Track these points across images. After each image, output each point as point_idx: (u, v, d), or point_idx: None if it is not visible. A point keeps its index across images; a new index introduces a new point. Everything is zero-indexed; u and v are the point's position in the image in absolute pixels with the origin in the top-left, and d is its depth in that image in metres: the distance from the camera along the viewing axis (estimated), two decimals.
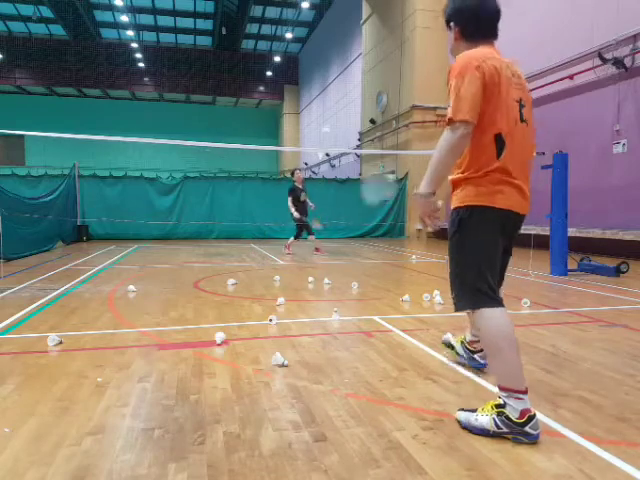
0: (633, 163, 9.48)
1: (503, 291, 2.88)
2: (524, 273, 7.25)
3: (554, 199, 6.97)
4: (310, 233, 10.25)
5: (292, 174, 10.62)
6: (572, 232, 8.53)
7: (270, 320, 4.08)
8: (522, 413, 1.99)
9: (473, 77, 2.01)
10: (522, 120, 2.15)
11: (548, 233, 7.19)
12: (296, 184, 10.23)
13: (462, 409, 2.19)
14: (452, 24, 2.27)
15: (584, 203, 9.87)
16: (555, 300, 5.30)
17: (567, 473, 1.77)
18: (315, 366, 2.97)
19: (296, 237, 10.30)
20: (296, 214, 10.01)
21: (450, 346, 3.05)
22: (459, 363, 2.99)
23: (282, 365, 2.95)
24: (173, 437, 2.04)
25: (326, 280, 6.31)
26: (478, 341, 2.85)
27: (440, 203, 2.13)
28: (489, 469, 1.80)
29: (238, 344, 3.46)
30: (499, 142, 2.08)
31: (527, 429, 1.99)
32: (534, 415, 2.00)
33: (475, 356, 2.88)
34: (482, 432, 2.06)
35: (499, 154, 2.08)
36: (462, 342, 2.95)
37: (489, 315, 2.09)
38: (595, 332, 3.84)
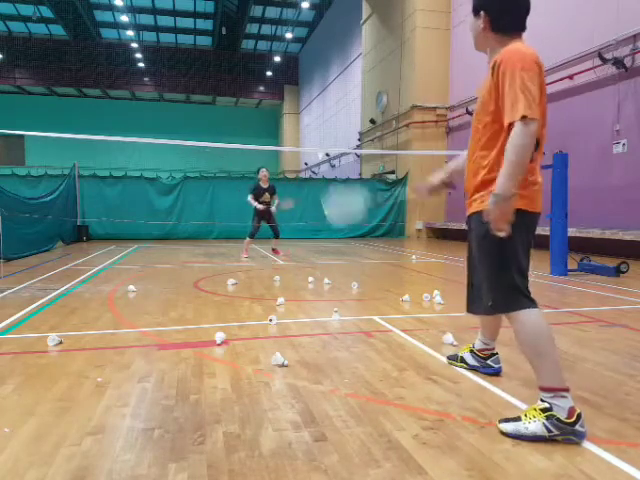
0: (633, 163, 9.48)
1: None
2: None
3: (554, 199, 6.97)
4: (249, 237, 9.76)
5: (258, 171, 9.73)
6: (572, 232, 8.53)
7: (270, 320, 4.07)
8: (570, 412, 1.99)
9: (535, 74, 1.99)
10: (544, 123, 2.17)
11: (548, 233, 7.19)
12: (260, 183, 9.57)
13: (505, 420, 2.12)
14: (482, 13, 2.18)
15: (584, 203, 9.86)
16: (555, 300, 5.29)
17: (567, 473, 1.77)
18: (315, 366, 2.97)
19: (251, 236, 9.74)
20: (259, 205, 9.40)
21: (460, 360, 2.95)
22: (473, 371, 2.88)
23: (282, 365, 2.94)
24: (173, 437, 2.04)
25: (326, 280, 6.31)
26: (489, 348, 2.81)
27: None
28: (489, 469, 1.80)
29: (238, 344, 3.46)
30: (535, 146, 2.05)
31: (577, 428, 1.98)
32: (580, 413, 2.00)
33: (488, 362, 2.82)
34: (536, 439, 2.01)
35: (531, 157, 2.04)
36: (471, 351, 2.89)
37: (529, 316, 2.10)
38: (595, 332, 3.84)
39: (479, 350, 2.85)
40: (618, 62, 9.58)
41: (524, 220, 2.12)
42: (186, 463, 1.83)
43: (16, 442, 1.99)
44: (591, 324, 4.12)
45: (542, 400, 2.06)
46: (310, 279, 6.44)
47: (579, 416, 1.98)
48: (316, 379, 2.75)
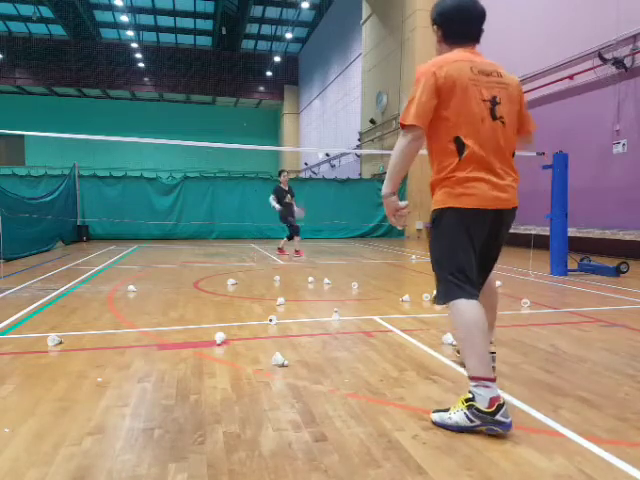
0: (633, 163, 9.48)
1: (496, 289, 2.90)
2: (524, 273, 7.25)
3: (554, 199, 6.97)
4: (296, 234, 10.03)
5: (279, 174, 10.34)
6: (572, 232, 8.53)
7: (270, 320, 4.07)
8: (491, 402, 2.02)
9: (427, 84, 2.15)
10: (494, 118, 2.20)
11: (548, 233, 7.19)
12: (281, 185, 10.04)
13: (436, 410, 2.21)
14: (435, 27, 2.39)
15: (584, 203, 9.86)
16: (555, 300, 5.29)
17: (567, 473, 1.77)
18: (315, 366, 2.97)
19: (289, 238, 10.10)
20: (277, 205, 9.77)
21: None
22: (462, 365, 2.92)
23: (282, 365, 2.94)
24: (173, 437, 2.04)
25: (326, 280, 6.31)
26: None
27: (404, 203, 2.27)
28: (489, 469, 1.80)
29: (238, 344, 3.46)
30: (459, 144, 2.17)
31: (498, 417, 2.01)
32: (503, 403, 2.04)
33: None
34: (458, 429, 2.08)
35: (460, 155, 2.17)
36: None
37: (461, 307, 2.15)
38: (595, 332, 3.84)
39: None
40: (618, 62, 9.57)
41: (458, 218, 2.19)
42: (186, 463, 1.83)
43: (16, 442, 1.99)
44: (591, 324, 4.12)
45: (469, 391, 2.11)
46: (310, 279, 6.44)
47: (500, 406, 2.01)
48: (316, 379, 2.75)
